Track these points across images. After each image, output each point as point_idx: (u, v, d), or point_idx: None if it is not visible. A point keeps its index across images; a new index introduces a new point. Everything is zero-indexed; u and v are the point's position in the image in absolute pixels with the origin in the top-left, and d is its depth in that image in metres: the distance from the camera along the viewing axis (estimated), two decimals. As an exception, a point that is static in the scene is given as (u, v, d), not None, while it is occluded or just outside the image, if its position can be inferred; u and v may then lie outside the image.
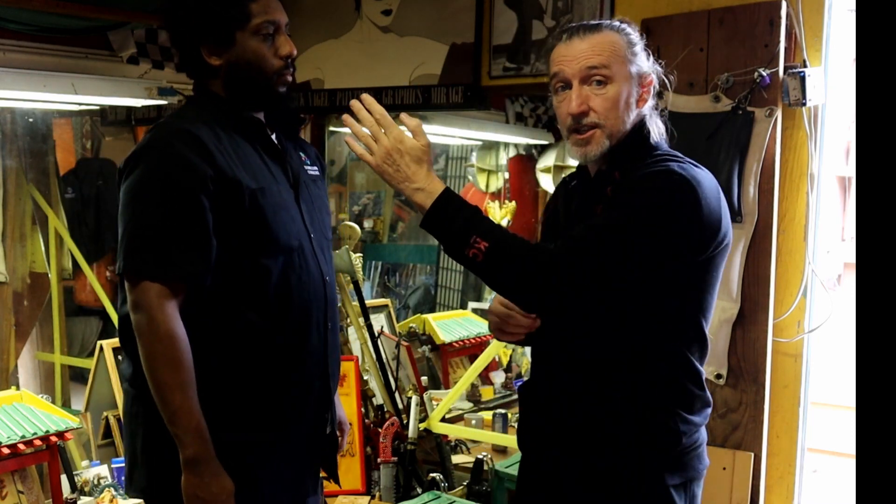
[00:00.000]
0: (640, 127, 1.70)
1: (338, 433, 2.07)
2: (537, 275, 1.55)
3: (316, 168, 2.01)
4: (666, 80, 1.79)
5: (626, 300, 1.61)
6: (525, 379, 1.85)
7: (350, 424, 2.17)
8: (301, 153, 1.98)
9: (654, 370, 1.65)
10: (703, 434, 1.72)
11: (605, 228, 1.57)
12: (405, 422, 3.11)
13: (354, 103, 1.65)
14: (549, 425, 1.75)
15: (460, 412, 3.67)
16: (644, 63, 1.70)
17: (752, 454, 2.53)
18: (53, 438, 2.50)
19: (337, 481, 2.10)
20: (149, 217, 1.68)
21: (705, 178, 1.62)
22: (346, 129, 1.76)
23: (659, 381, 1.65)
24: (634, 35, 1.70)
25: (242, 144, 1.80)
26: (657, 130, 1.72)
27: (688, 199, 1.57)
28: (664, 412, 1.65)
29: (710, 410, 1.73)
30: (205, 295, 1.72)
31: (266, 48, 1.78)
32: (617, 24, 1.70)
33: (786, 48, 2.47)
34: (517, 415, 3.61)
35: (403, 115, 1.66)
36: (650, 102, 1.72)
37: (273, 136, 1.89)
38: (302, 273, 1.82)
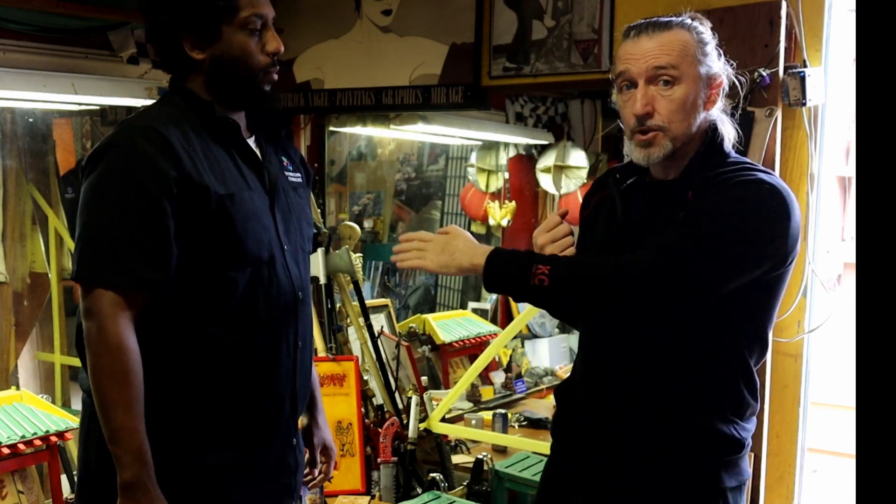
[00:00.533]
0: (714, 131, 1.65)
1: (321, 458, 2.00)
2: (623, 283, 1.54)
3: (299, 175, 1.89)
4: (737, 82, 1.72)
5: (705, 308, 1.59)
6: (566, 378, 1.84)
7: (335, 449, 2.04)
8: (283, 157, 1.86)
9: (717, 376, 1.64)
10: (750, 440, 1.72)
11: (701, 237, 1.54)
12: (405, 422, 3.11)
13: (397, 247, 1.76)
14: (601, 426, 1.71)
15: (460, 412, 3.67)
16: (715, 63, 1.63)
17: (752, 454, 2.53)
18: (53, 438, 2.50)
19: None
20: (106, 220, 1.57)
21: (790, 191, 1.60)
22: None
23: (719, 386, 1.65)
24: (707, 34, 1.64)
25: (214, 147, 1.68)
26: (728, 135, 1.67)
27: (781, 211, 1.56)
28: (720, 417, 1.64)
29: (755, 420, 1.72)
30: (166, 305, 1.62)
31: (253, 44, 1.68)
32: (689, 21, 1.62)
33: (786, 48, 2.46)
34: (517, 415, 3.66)
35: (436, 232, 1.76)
36: (719, 105, 1.66)
37: (253, 138, 1.79)
38: (271, 287, 1.71)
